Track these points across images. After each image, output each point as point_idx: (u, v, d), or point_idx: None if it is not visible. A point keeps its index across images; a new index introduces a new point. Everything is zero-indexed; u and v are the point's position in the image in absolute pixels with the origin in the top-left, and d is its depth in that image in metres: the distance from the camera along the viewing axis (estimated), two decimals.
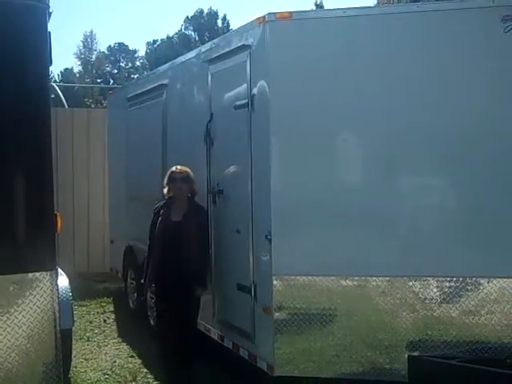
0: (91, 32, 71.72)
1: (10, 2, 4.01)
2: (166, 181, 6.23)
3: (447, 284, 5.16)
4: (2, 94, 4.03)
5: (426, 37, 5.19)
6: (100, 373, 6.70)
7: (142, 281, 6.51)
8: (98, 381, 6.47)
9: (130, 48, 73.27)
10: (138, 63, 72.12)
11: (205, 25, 68.61)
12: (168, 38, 69.19)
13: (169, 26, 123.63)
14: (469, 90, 5.13)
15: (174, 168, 6.23)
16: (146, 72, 45.71)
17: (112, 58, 71.78)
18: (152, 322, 7.76)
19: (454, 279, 5.13)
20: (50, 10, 4.23)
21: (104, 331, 8.35)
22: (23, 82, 4.10)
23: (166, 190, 6.24)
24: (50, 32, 4.20)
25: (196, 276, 6.04)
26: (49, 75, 4.53)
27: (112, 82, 58.62)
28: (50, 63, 4.29)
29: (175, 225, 6.10)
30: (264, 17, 5.42)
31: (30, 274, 4.11)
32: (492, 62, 5.07)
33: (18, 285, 4.07)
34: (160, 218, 6.19)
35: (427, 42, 5.19)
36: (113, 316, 9.15)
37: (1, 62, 4.00)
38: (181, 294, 5.97)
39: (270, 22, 5.37)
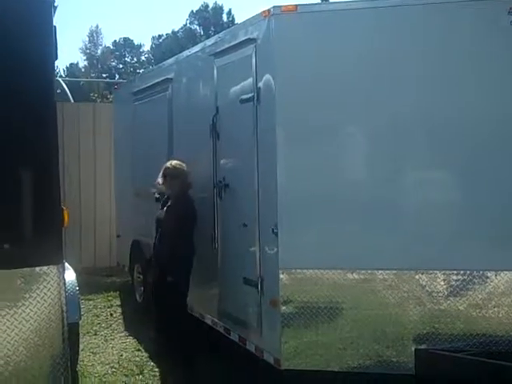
0: (97, 27, 71.84)
1: None
2: (160, 175, 6.52)
3: (454, 277, 5.15)
4: (7, 89, 4.02)
5: (432, 30, 5.16)
6: (107, 366, 6.72)
7: None
8: (105, 374, 6.49)
9: (136, 43, 73.45)
10: (143, 58, 72.18)
11: (210, 19, 68.60)
12: (173, 32, 69.27)
13: (174, 20, 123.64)
14: (475, 84, 5.10)
15: (168, 164, 6.52)
16: (151, 67, 45.69)
17: (117, 53, 71.86)
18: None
19: (462, 272, 5.12)
20: (55, 4, 4.23)
21: (111, 325, 8.37)
22: (29, 76, 4.08)
23: (160, 182, 6.55)
24: (55, 26, 4.19)
25: (169, 265, 6.34)
26: (54, 70, 4.52)
27: (117, 76, 58.65)
28: (56, 58, 4.27)
29: (157, 219, 6.65)
30: (269, 10, 5.40)
31: (37, 268, 4.10)
32: (498, 54, 5.05)
33: (25, 279, 4.07)
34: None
35: (433, 35, 5.16)
36: (119, 310, 9.18)
37: (6, 57, 3.99)
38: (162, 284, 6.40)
39: (276, 15, 5.35)
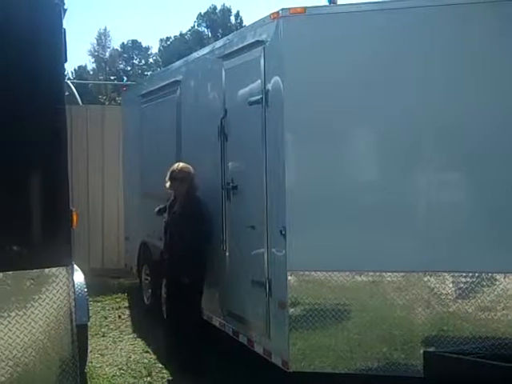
0: (105, 29, 72.01)
1: None
2: (167, 177, 6.61)
3: (463, 279, 5.13)
4: (17, 92, 4.04)
5: (439, 31, 5.16)
6: (115, 368, 6.74)
7: None
8: (113, 376, 6.50)
9: (143, 45, 73.52)
10: (151, 60, 72.34)
11: (218, 21, 68.61)
12: (181, 34, 69.29)
13: (182, 22, 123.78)
14: (485, 84, 5.09)
15: (174, 167, 6.64)
16: (159, 69, 45.79)
17: (125, 55, 72.02)
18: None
19: (470, 274, 5.11)
20: (65, 7, 4.25)
21: (119, 327, 8.39)
22: (38, 79, 4.11)
23: (168, 185, 6.64)
24: (65, 29, 4.22)
25: (185, 268, 6.36)
26: (64, 72, 4.55)
27: (125, 79, 58.81)
28: (65, 60, 4.30)
29: (167, 220, 6.70)
30: (278, 12, 5.41)
31: (47, 270, 4.12)
32: (507, 54, 5.04)
33: (34, 280, 4.09)
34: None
35: (441, 36, 5.16)
36: (128, 312, 9.20)
37: (16, 60, 4.02)
38: (176, 288, 6.53)
39: (284, 17, 5.36)
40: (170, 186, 6.61)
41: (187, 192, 6.56)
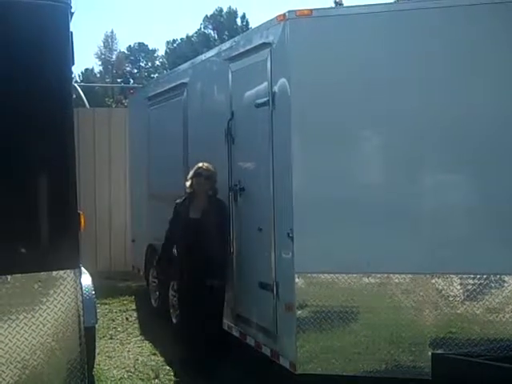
0: (112, 32, 72.31)
1: (33, 2, 4.04)
2: (190, 174, 6.43)
3: (471, 281, 5.12)
4: (25, 95, 4.06)
5: (446, 33, 5.15)
6: (123, 370, 6.73)
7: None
8: (121, 378, 6.50)
9: (150, 48, 73.87)
10: (157, 63, 72.64)
11: (224, 24, 68.83)
12: (187, 37, 69.58)
13: (188, 25, 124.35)
14: (488, 85, 5.08)
15: (200, 164, 6.44)
16: (165, 71, 45.88)
17: (132, 58, 72.27)
18: (174, 320, 7.80)
19: (478, 276, 5.10)
20: (72, 10, 4.26)
21: (127, 329, 8.39)
22: (46, 82, 4.12)
23: (188, 184, 6.44)
24: (72, 32, 4.23)
25: (218, 273, 6.25)
26: (71, 75, 4.56)
27: (132, 81, 58.99)
28: (73, 63, 4.31)
29: (195, 222, 6.34)
30: (284, 14, 5.41)
31: (55, 272, 4.14)
32: (509, 56, 5.04)
33: (42, 283, 4.10)
34: (179, 215, 6.45)
35: (448, 37, 5.15)
36: (135, 314, 9.19)
37: (24, 63, 4.03)
38: (204, 292, 6.22)
39: (291, 19, 5.36)
40: (192, 184, 6.39)
41: (209, 190, 6.40)
